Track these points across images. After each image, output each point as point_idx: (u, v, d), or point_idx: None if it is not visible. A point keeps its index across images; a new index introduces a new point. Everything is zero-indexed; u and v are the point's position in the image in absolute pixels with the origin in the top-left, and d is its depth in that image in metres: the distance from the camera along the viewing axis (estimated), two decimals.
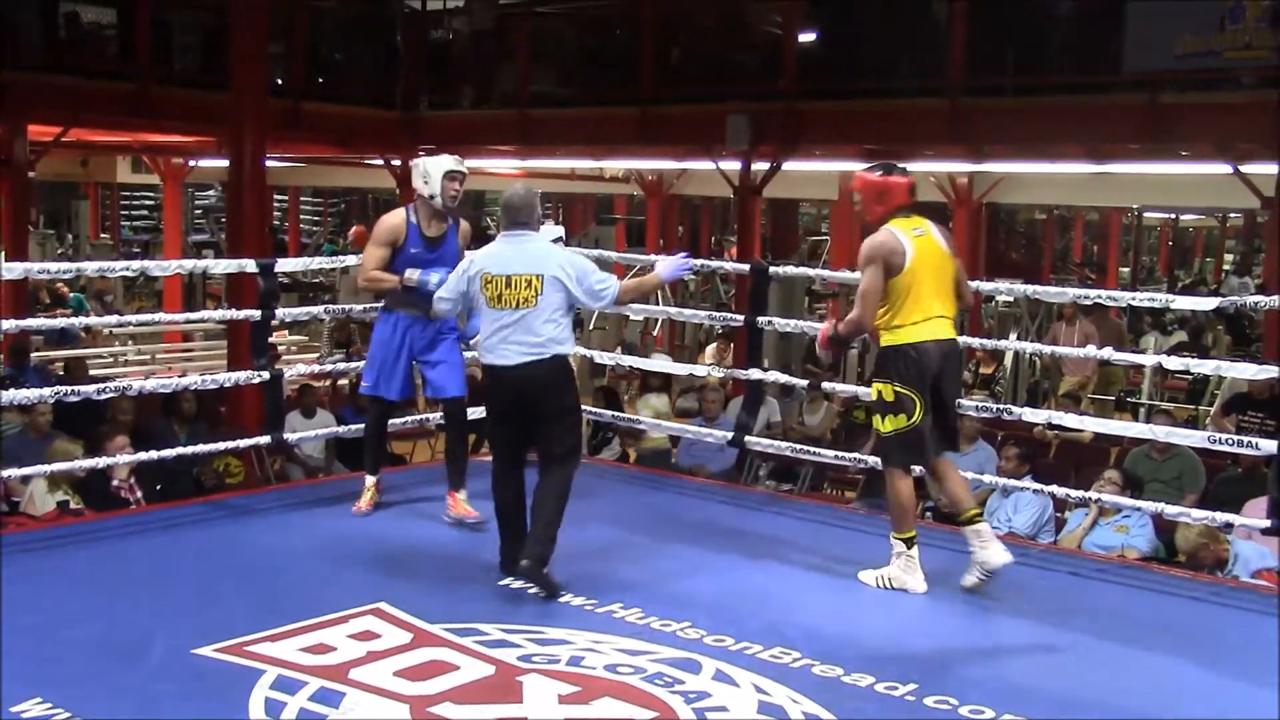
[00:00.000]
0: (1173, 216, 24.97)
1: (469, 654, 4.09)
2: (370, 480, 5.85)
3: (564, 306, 4.76)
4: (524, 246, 4.84)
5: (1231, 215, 19.97)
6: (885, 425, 4.89)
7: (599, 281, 4.85)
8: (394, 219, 5.68)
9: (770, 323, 6.67)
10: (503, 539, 4.90)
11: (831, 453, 6.91)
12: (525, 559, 4.62)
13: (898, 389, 4.80)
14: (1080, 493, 6.13)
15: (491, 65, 14.09)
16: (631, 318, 15.51)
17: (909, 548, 4.89)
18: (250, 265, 6.39)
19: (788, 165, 12.42)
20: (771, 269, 6.84)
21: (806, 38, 12.05)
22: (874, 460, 6.63)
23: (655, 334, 16.43)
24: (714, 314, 7.98)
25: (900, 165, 4.99)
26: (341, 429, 7.71)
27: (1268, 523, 5.28)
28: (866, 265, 4.81)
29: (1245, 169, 9.97)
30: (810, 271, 8.68)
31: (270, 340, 7.14)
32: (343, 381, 11.50)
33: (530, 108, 13.38)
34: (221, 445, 7.21)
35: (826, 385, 7.37)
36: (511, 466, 4.92)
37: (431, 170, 5.60)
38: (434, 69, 14.38)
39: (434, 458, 9.52)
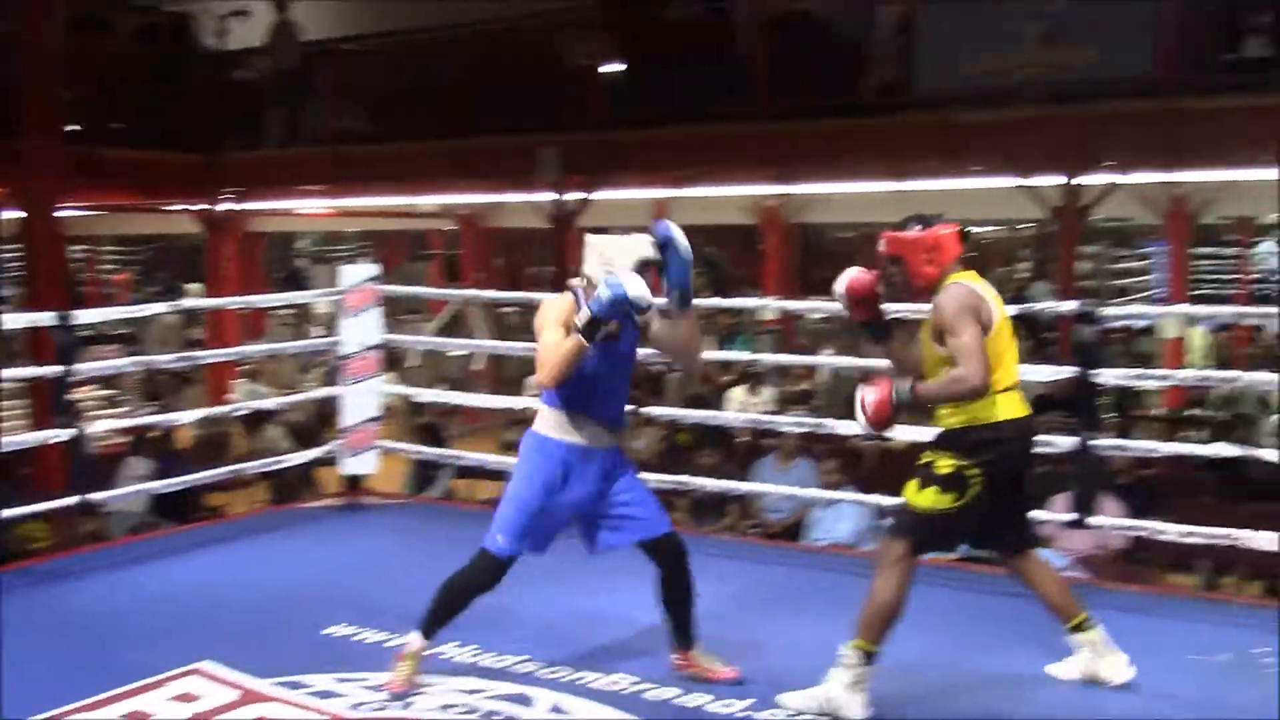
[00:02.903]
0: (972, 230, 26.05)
1: (299, 707, 3.98)
2: (418, 644, 4.24)
3: None
4: None
5: (1023, 226, 20.93)
6: (921, 499, 3.99)
7: None
8: (565, 302, 4.14)
9: None
10: None
11: (656, 476, 6.96)
12: None
13: (961, 464, 3.95)
14: (898, 500, 6.30)
15: (298, 104, 13.86)
16: (452, 353, 15.39)
17: (866, 663, 3.96)
18: (46, 319, 6.11)
19: (601, 194, 12.53)
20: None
21: (614, 68, 12.20)
22: (700, 481, 6.72)
23: (478, 368, 16.31)
24: (533, 345, 7.96)
25: (934, 213, 4.20)
26: (158, 484, 7.41)
27: (1071, 516, 5.53)
28: (959, 322, 3.86)
29: (1032, 182, 10.47)
30: None
31: (76, 395, 6.82)
32: (154, 434, 11.08)
33: (339, 146, 13.20)
34: (20, 510, 6.85)
35: (648, 410, 7.43)
36: None
37: (616, 256, 4.07)
38: (238, 110, 14.07)
39: (254, 508, 9.26)
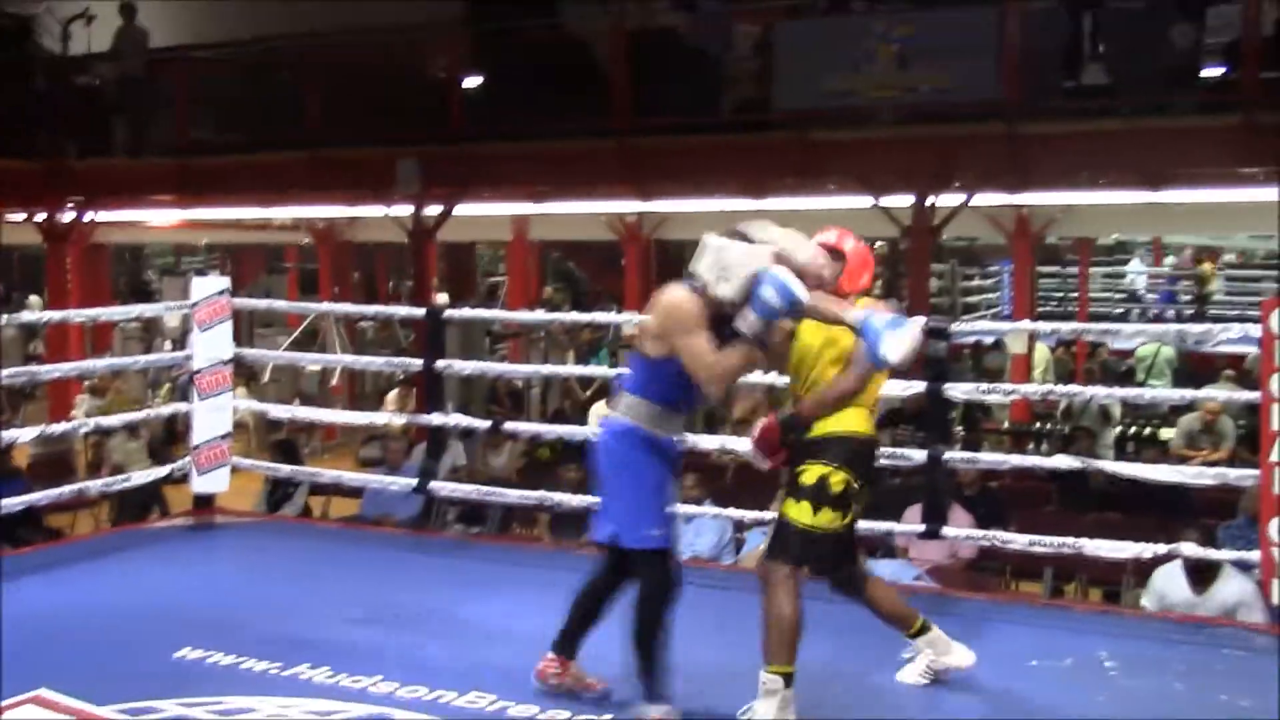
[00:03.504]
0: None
1: None
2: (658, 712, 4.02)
3: None
4: None
5: (878, 243, 21.49)
6: (809, 518, 3.96)
7: None
8: (696, 302, 3.91)
9: (449, 366, 6.65)
10: None
11: (517, 493, 6.93)
12: None
13: (848, 480, 3.98)
14: (757, 513, 6.38)
15: (146, 112, 13.45)
16: (308, 368, 15.11)
17: (787, 685, 3.91)
18: None
19: (461, 208, 12.43)
20: (447, 312, 6.83)
21: (473, 81, 12.13)
22: (560, 497, 6.71)
23: (334, 384, 16.04)
24: (392, 360, 7.88)
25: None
26: None
27: (923, 527, 5.67)
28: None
29: (885, 201, 10.71)
30: (487, 313, 8.72)
31: None
32: None
33: (190, 155, 12.85)
34: None
35: (509, 425, 7.40)
36: None
37: (736, 264, 3.83)
38: (82, 117, 13.59)
39: (98, 529, 8.94)
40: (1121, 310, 20.84)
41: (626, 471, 3.99)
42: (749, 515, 6.31)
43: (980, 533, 5.91)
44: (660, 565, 4.00)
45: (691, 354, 3.82)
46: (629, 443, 3.99)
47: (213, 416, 6.73)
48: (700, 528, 7.33)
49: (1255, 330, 4.95)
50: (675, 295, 3.92)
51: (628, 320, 12.29)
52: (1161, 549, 5.29)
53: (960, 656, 4.36)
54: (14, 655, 4.59)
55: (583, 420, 11.10)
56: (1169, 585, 5.80)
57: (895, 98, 9.87)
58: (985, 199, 11.85)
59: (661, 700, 3.96)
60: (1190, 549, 5.34)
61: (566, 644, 4.23)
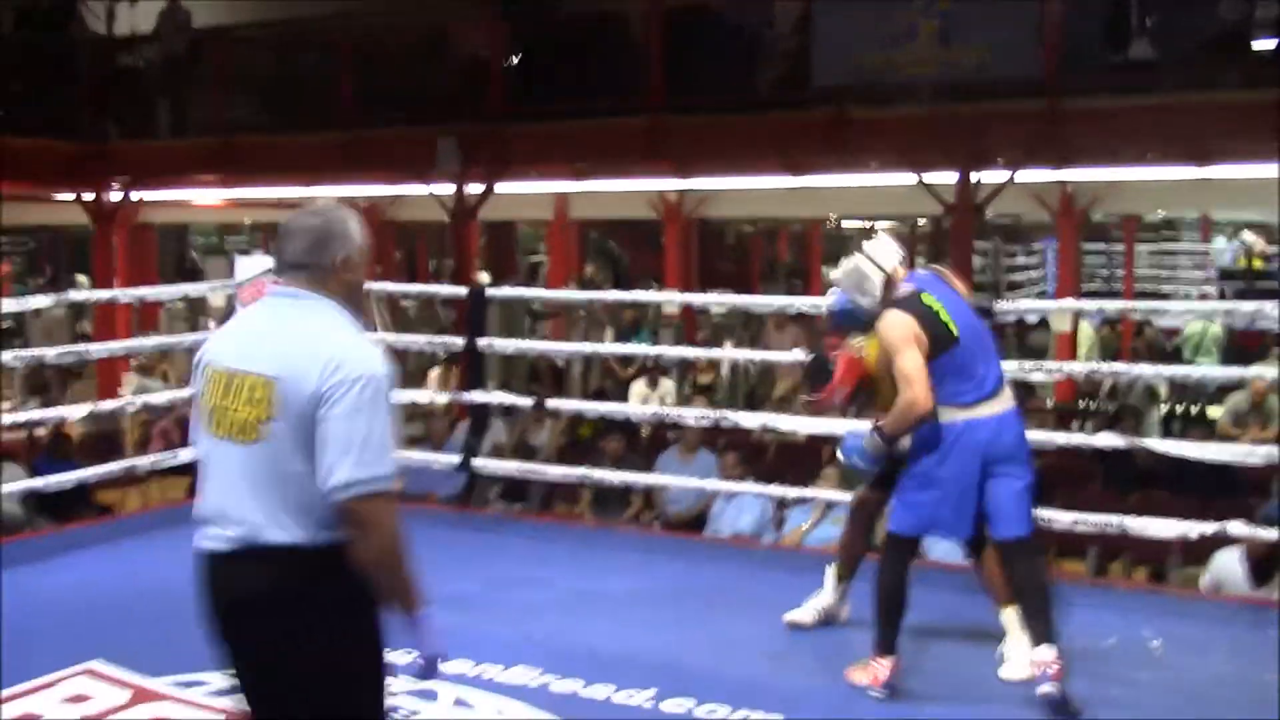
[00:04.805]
0: (869, 225, 26.49)
1: (194, 706, 3.92)
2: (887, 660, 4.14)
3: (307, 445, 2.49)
4: (280, 318, 2.62)
5: (921, 221, 21.35)
6: None
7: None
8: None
9: (490, 344, 6.68)
10: None
11: (560, 470, 6.96)
12: None
13: None
14: (799, 491, 6.39)
15: (189, 92, 13.56)
16: None
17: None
18: None
19: (502, 187, 12.46)
20: (489, 291, 6.86)
21: (512, 60, 12.14)
22: (601, 474, 6.73)
23: None
24: (434, 339, 7.92)
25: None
26: (38, 481, 7.19)
27: None
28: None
29: (928, 178, 10.64)
30: (529, 292, 8.74)
31: None
32: (40, 431, 10.79)
33: (231, 135, 12.94)
34: None
35: (551, 403, 7.42)
36: None
37: (872, 272, 4.18)
38: (127, 98, 13.71)
39: (146, 506, 9.05)
40: (1216, 290, 20.44)
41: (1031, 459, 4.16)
42: (791, 493, 6.31)
43: None
44: (1039, 549, 4.26)
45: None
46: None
47: None
48: (742, 506, 7.35)
49: None
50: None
51: (668, 299, 12.34)
52: (1209, 529, 5.24)
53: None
54: (67, 628, 4.68)
55: (623, 398, 11.14)
56: (1228, 574, 5.73)
57: (936, 73, 9.79)
58: (1029, 175, 11.74)
59: (1051, 638, 3.99)
60: (1240, 529, 5.26)
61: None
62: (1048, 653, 3.95)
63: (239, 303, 6.76)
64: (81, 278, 18.49)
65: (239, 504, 2.50)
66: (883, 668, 4.09)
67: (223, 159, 13.06)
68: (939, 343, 4.03)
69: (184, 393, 9.02)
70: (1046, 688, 3.92)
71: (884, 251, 4.19)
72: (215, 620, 2.59)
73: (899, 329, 4.02)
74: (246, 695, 2.60)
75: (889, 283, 4.14)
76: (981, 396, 4.05)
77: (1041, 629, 4.00)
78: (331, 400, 2.42)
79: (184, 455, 7.24)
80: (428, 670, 2.61)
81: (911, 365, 3.96)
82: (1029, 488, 4.09)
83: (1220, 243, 21.41)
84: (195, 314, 17.38)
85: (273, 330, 2.56)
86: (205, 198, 16.96)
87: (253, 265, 6.89)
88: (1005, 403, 4.10)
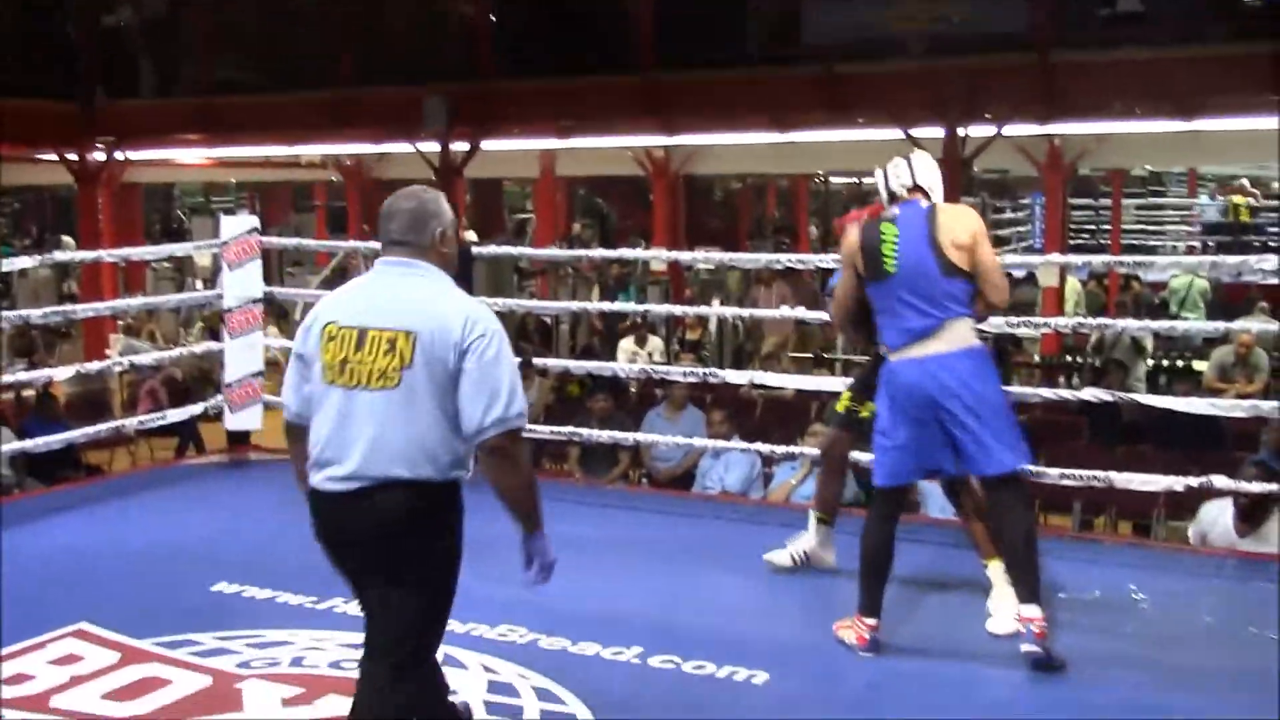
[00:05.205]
0: (857, 180, 26.40)
1: (183, 666, 3.92)
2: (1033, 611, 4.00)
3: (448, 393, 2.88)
4: (399, 284, 2.99)
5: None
6: None
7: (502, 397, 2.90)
8: None
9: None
10: None
11: (547, 428, 6.97)
12: None
13: None
14: (786, 448, 6.40)
15: (173, 52, 13.45)
16: None
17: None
18: None
19: (488, 145, 12.40)
20: (475, 249, 6.83)
21: (499, 18, 12.05)
22: (590, 433, 6.74)
23: None
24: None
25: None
26: (26, 443, 7.19)
27: None
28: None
29: (915, 133, 10.60)
30: (516, 250, 8.72)
31: None
32: (28, 392, 10.76)
33: (216, 94, 12.85)
34: None
35: (539, 361, 7.43)
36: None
37: (882, 180, 4.25)
38: (112, 58, 13.59)
39: (134, 467, 9.06)
40: (1198, 244, 20.43)
41: (999, 393, 4.06)
42: (778, 450, 6.33)
43: None
44: (1027, 490, 4.21)
45: (996, 264, 4.09)
46: (980, 359, 4.03)
47: (244, 355, 6.78)
48: (729, 462, 7.36)
49: None
50: (968, 210, 4.18)
51: (655, 256, 12.32)
52: (1194, 482, 5.27)
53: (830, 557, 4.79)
54: (55, 589, 4.68)
55: (611, 356, 11.14)
56: (1215, 525, 5.76)
57: (926, 28, 9.74)
58: (1016, 130, 11.71)
59: (1037, 599, 3.98)
60: (1225, 482, 5.28)
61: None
62: (1033, 610, 3.96)
63: (225, 262, 6.73)
64: (67, 238, 18.40)
65: (368, 445, 2.86)
66: (866, 626, 4.10)
67: (208, 118, 12.98)
68: (869, 272, 4.07)
69: (171, 353, 9.04)
70: (1029, 646, 3.93)
71: (904, 172, 4.15)
72: (342, 548, 2.99)
73: (843, 249, 4.26)
74: (369, 607, 3.02)
75: (893, 198, 4.15)
76: (905, 341, 4.00)
77: (1026, 585, 4.00)
78: (473, 351, 2.84)
79: (172, 415, 7.25)
80: (547, 574, 3.10)
81: (837, 286, 4.32)
82: (1000, 426, 3.97)
83: (1204, 198, 21.40)
84: (182, 274, 17.33)
85: (398, 293, 2.93)
86: (190, 157, 16.84)
87: (238, 224, 6.86)
88: (945, 344, 3.96)
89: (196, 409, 7.24)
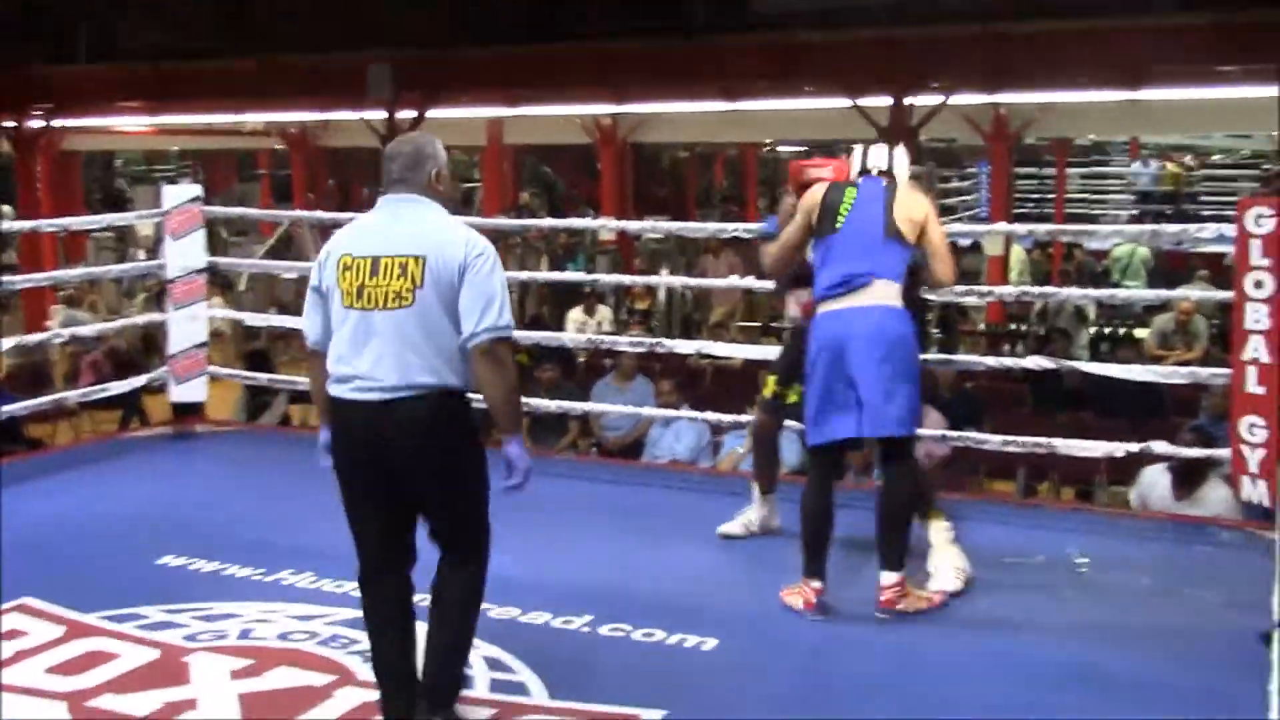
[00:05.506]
0: (805, 150, 26.54)
1: (129, 640, 3.89)
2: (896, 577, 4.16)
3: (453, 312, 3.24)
4: (404, 215, 3.32)
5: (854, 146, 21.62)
6: None
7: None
8: None
9: None
10: (380, 688, 3.37)
11: None
12: (432, 710, 3.29)
13: None
14: (734, 417, 6.43)
15: (111, 17, 13.19)
16: (285, 276, 15.01)
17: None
18: None
19: (434, 113, 12.30)
20: None
21: None
22: (538, 402, 6.73)
23: None
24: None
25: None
26: None
27: None
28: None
29: (862, 102, 10.64)
30: (463, 219, 8.64)
31: None
32: None
33: (158, 60, 12.63)
34: None
35: None
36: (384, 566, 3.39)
37: (859, 157, 4.44)
38: (49, 23, 13.31)
39: (76, 440, 8.95)
40: (1131, 212, 20.64)
41: (911, 357, 4.14)
42: (726, 419, 6.35)
43: (955, 433, 5.97)
44: (913, 453, 4.29)
45: (944, 244, 4.33)
46: (906, 329, 4.14)
47: (188, 326, 6.70)
48: (679, 431, 7.40)
49: (1231, 230, 4.97)
50: (921, 200, 4.33)
51: (603, 225, 12.29)
52: (1134, 448, 5.36)
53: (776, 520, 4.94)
54: (3, 562, 4.62)
55: (559, 325, 11.12)
56: (1153, 488, 5.87)
57: None
58: (963, 99, 11.78)
59: (904, 566, 4.13)
60: (1164, 448, 5.38)
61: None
62: (889, 578, 4.09)
63: (167, 232, 6.64)
64: (4, 207, 18.08)
65: (393, 359, 3.19)
66: (811, 590, 4.15)
67: (149, 84, 12.76)
68: (820, 226, 4.25)
69: (113, 324, 8.91)
70: (878, 613, 4.08)
71: (882, 158, 4.38)
72: (371, 453, 3.25)
73: (804, 200, 4.36)
74: (393, 500, 3.30)
75: (864, 172, 4.35)
76: (834, 293, 4.14)
77: (891, 553, 4.11)
78: (472, 268, 3.20)
79: (115, 388, 7.16)
80: (524, 480, 3.33)
81: (786, 232, 4.42)
82: (898, 389, 4.06)
83: (1138, 166, 21.61)
84: (124, 244, 17.09)
85: (404, 224, 3.29)
86: (131, 125, 16.58)
87: (180, 193, 6.76)
88: (869, 299, 4.11)
89: (140, 381, 7.15)
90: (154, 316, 7.34)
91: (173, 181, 12.61)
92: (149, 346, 10.37)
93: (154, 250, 8.63)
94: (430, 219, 3.31)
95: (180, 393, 6.75)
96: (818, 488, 4.20)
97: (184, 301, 6.68)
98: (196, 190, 6.85)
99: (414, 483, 3.26)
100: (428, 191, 3.35)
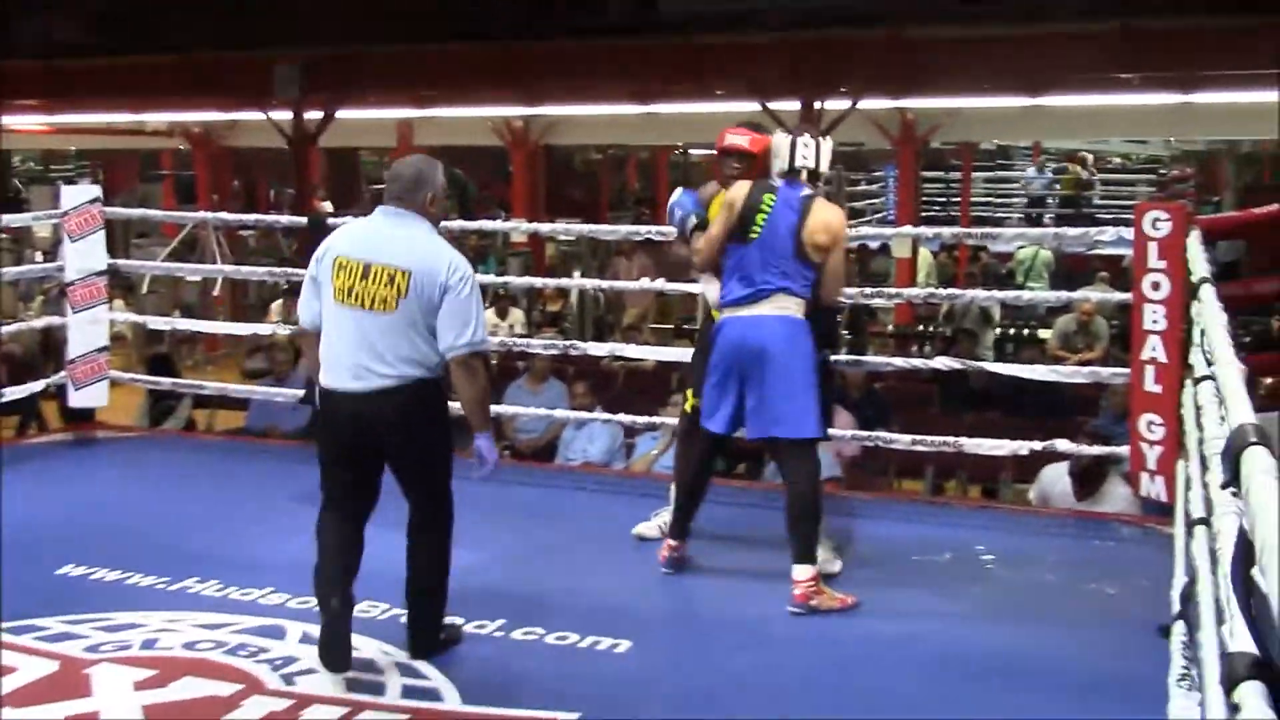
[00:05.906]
0: (716, 153, 26.72)
1: (27, 652, 3.78)
2: (810, 573, 4.27)
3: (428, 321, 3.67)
4: (397, 230, 3.72)
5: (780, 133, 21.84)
6: None
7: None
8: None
9: None
10: (325, 622, 3.69)
11: None
12: (418, 652, 3.81)
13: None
14: (648, 419, 6.44)
15: (6, 11, 12.83)
16: (189, 279, 14.74)
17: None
18: None
19: (343, 114, 12.16)
20: (330, 220, 6.69)
21: None
22: (450, 405, 6.68)
23: (216, 294, 15.69)
24: (275, 269, 7.73)
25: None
26: None
27: None
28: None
29: (772, 106, 10.71)
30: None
31: None
32: None
33: (56, 57, 12.32)
34: None
35: None
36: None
37: (786, 155, 4.43)
38: None
39: None
40: (1021, 216, 21.05)
41: (808, 364, 4.29)
42: (639, 421, 6.36)
43: (865, 433, 6.04)
44: (817, 457, 4.38)
45: (840, 270, 4.45)
46: (796, 334, 4.30)
47: (88, 330, 6.55)
48: (592, 434, 7.38)
49: (1129, 233, 5.09)
50: (839, 215, 4.43)
51: (515, 227, 12.26)
52: (1038, 446, 5.46)
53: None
54: None
55: None
56: (1053, 487, 5.98)
57: (783, 2, 9.83)
58: (871, 104, 11.92)
59: (816, 560, 4.27)
60: (1067, 446, 5.48)
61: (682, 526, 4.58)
62: (802, 571, 4.19)
63: (65, 233, 6.48)
64: None
65: (377, 354, 3.65)
66: (669, 547, 4.54)
67: (46, 82, 12.43)
68: (737, 231, 4.36)
69: (10, 328, 8.67)
70: (790, 607, 4.16)
71: (809, 153, 4.41)
72: (354, 431, 3.72)
73: (729, 195, 4.45)
74: (368, 465, 3.80)
75: (790, 172, 4.40)
76: (739, 300, 4.33)
77: (801, 547, 4.22)
78: (453, 289, 3.64)
79: (11, 393, 6.96)
80: (491, 470, 3.84)
81: (715, 226, 4.46)
82: (796, 394, 4.23)
83: (1031, 170, 22.06)
84: (20, 246, 16.62)
85: (396, 236, 3.71)
86: (28, 123, 16.15)
87: (79, 194, 6.61)
88: (768, 309, 4.29)
89: (38, 386, 6.97)
90: (53, 320, 7.16)
91: (71, 182, 12.32)
92: (47, 351, 10.11)
93: (52, 252, 8.42)
94: (420, 237, 3.71)
95: (79, 398, 6.59)
96: (700, 457, 4.56)
97: (84, 305, 6.52)
98: (96, 191, 6.69)
99: (391, 455, 3.76)
100: (422, 211, 3.75)
